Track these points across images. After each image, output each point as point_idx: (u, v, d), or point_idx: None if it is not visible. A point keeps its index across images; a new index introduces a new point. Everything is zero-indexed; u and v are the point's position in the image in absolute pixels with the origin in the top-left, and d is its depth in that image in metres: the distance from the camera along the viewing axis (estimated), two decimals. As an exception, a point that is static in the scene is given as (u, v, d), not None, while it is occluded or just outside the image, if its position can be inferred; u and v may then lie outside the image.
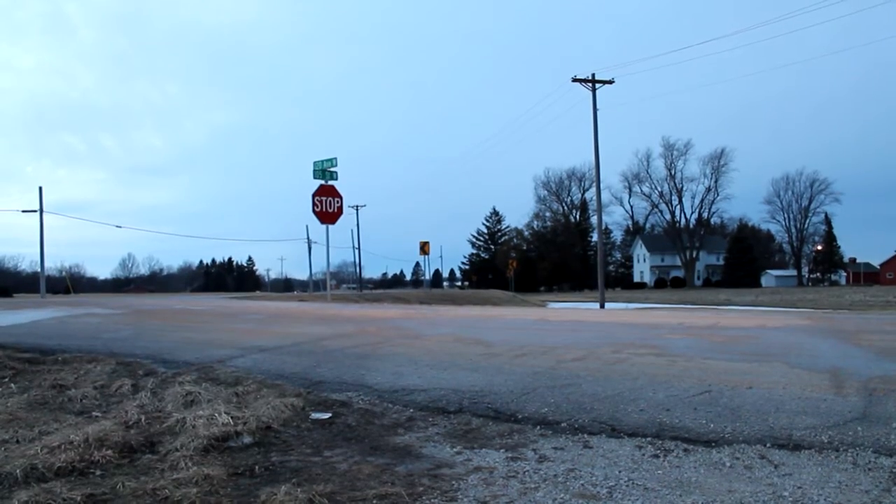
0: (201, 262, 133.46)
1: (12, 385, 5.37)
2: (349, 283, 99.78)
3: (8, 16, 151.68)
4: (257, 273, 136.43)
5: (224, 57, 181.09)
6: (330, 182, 20.99)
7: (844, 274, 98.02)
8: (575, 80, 33.57)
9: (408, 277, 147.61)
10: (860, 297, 43.84)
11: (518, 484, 2.86)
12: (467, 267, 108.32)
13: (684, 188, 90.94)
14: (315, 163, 21.05)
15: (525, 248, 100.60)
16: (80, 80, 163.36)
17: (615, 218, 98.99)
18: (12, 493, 2.77)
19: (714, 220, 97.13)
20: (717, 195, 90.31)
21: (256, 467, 3.16)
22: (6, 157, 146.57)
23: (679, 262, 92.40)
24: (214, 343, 7.79)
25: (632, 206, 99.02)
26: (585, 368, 5.42)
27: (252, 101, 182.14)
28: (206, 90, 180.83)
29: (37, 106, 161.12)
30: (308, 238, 68.80)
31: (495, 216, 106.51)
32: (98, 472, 3.11)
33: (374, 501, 2.68)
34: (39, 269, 47.39)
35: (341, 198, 21.17)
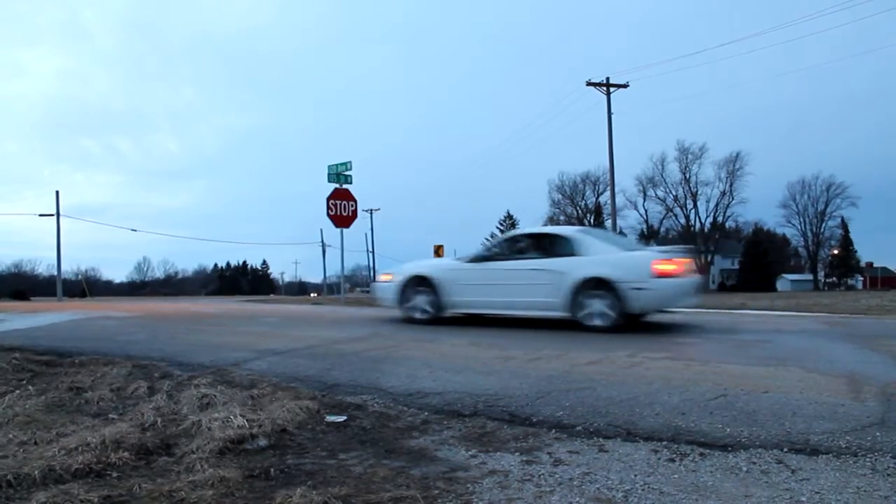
0: (216, 265, 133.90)
1: (30, 387, 5.43)
2: (363, 286, 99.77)
3: (27, 22, 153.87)
4: (272, 276, 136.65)
5: (240, 61, 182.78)
6: (344, 186, 21.03)
7: (861, 278, 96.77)
8: (589, 83, 33.47)
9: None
10: (877, 301, 42.89)
11: (533, 487, 2.85)
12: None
13: (699, 192, 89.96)
14: (329, 166, 21.09)
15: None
16: (97, 84, 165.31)
17: (630, 222, 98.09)
18: (31, 494, 2.80)
19: (729, 224, 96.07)
20: (732, 199, 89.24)
21: (272, 470, 3.17)
22: (24, 161, 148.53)
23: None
24: (229, 346, 7.84)
25: (646, 210, 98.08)
26: (600, 372, 5.40)
27: (267, 104, 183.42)
28: (222, 94, 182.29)
29: (54, 110, 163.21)
30: (322, 241, 68.86)
31: (509, 220, 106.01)
32: (115, 474, 3.13)
33: (389, 504, 2.68)
34: (56, 273, 48.01)
35: (356, 201, 21.19)
